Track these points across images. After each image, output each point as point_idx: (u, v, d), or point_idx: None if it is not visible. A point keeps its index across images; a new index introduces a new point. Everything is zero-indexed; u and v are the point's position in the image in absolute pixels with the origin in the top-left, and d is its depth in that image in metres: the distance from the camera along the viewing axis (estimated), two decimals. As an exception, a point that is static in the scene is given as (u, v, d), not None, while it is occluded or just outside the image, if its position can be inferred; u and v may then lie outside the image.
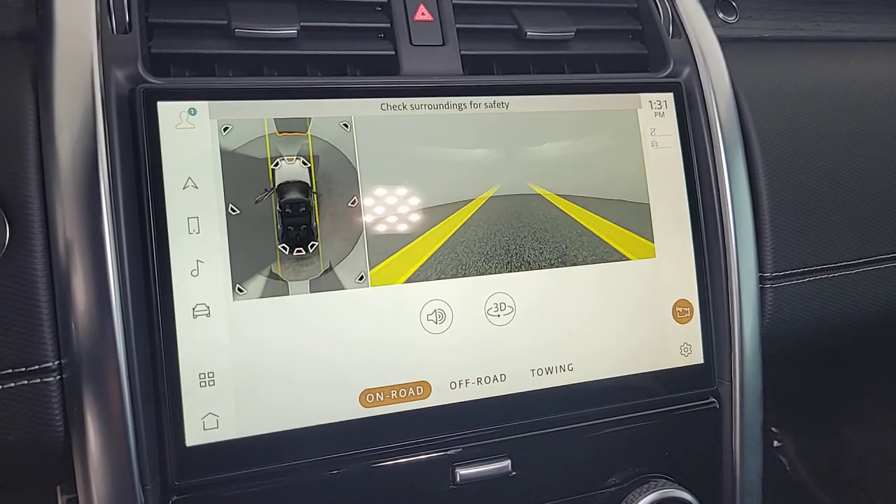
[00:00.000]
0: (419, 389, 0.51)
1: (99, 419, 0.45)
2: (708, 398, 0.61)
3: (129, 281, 0.46)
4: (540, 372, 0.54)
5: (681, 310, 0.59)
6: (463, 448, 0.52)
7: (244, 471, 0.47)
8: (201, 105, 0.47)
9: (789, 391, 1.24)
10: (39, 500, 0.55)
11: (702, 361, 0.60)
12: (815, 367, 1.29)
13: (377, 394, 0.50)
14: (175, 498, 0.46)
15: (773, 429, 1.42)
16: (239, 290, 0.47)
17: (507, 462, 0.53)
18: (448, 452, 0.52)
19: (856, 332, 0.70)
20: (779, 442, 1.47)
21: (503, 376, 0.53)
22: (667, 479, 0.58)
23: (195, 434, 0.46)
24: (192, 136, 0.46)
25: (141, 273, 0.46)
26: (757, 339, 0.62)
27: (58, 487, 0.52)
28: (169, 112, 0.46)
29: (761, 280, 0.63)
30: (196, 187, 0.47)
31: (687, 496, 0.57)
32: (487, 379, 0.53)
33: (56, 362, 0.44)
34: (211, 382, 0.46)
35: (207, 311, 0.46)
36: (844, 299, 0.66)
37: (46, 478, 0.53)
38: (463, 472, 0.52)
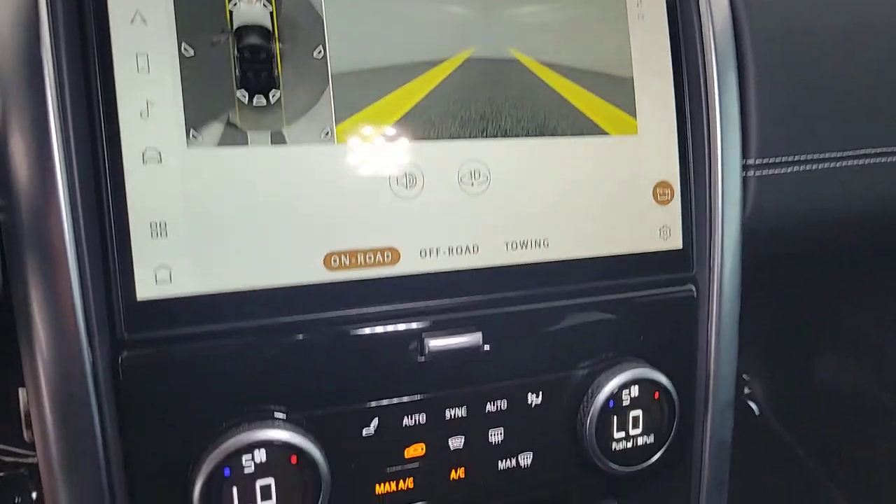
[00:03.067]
0: (387, 255, 0.49)
1: (40, 268, 0.42)
2: (686, 284, 0.59)
3: (72, 122, 0.42)
4: (514, 246, 0.52)
5: (661, 191, 0.57)
6: (433, 319, 0.50)
7: (199, 328, 0.44)
8: (150, -72, 0.43)
9: (759, 331, 1.24)
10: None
11: (680, 246, 0.58)
12: (788, 300, 1.30)
13: (342, 257, 0.47)
14: (126, 353, 0.43)
15: (743, 376, 1.44)
16: (193, 136, 0.44)
17: (479, 335, 0.51)
18: (417, 322, 0.50)
19: (838, 230, 0.69)
20: (748, 388, 1.49)
21: (476, 248, 0.51)
22: (640, 361, 0.56)
23: (146, 287, 0.43)
24: (140, -38, 0.42)
25: (84, 113, 0.42)
26: (738, 228, 0.60)
27: (20, 390, 0.49)
28: (114, -67, 0.42)
29: (745, 168, 0.61)
30: (145, 22, 0.43)
31: (661, 377, 0.56)
32: (459, 249, 0.50)
33: (-8, 206, 0.41)
34: (163, 233, 0.43)
35: (159, 157, 0.43)
36: (828, 192, 0.65)
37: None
38: (433, 343, 0.50)
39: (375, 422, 0.50)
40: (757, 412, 1.51)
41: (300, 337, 0.47)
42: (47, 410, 0.43)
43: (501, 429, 0.53)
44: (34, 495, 1.03)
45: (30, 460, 1.02)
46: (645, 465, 0.57)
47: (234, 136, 0.45)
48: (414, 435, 0.51)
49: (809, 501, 1.46)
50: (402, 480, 0.51)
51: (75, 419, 0.43)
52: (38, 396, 0.43)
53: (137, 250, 0.43)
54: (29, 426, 0.47)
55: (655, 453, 0.57)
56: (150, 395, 0.44)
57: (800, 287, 1.41)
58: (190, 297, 0.44)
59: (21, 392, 0.46)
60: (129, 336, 0.43)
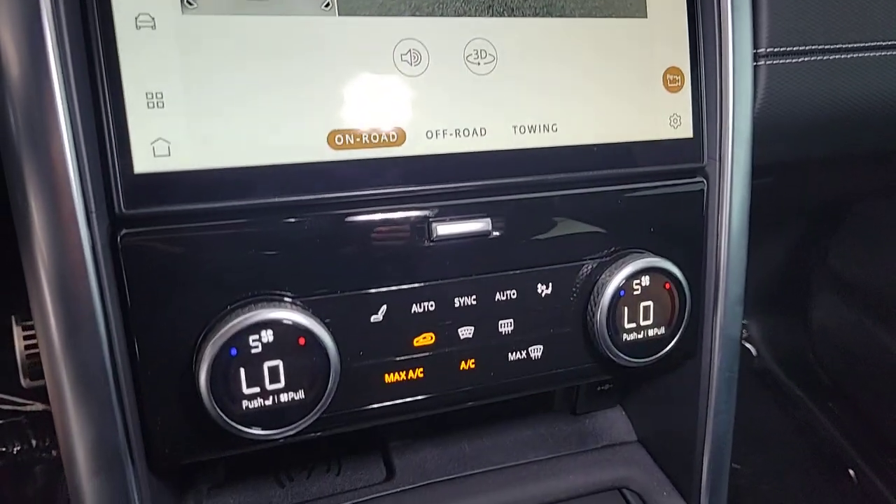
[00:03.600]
0: (392, 136, 0.47)
1: (33, 142, 0.40)
2: (696, 176, 0.58)
3: (61, -14, 0.40)
4: (522, 129, 0.50)
5: (671, 77, 0.55)
6: (440, 204, 0.49)
7: (200, 205, 0.43)
8: None
9: (756, 275, 1.24)
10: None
11: (691, 135, 0.56)
12: (783, 244, 1.29)
13: (347, 136, 0.46)
14: (125, 232, 0.42)
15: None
16: (188, 2, 0.42)
17: (487, 221, 0.50)
18: (424, 207, 0.49)
19: (846, 129, 0.68)
20: (746, 332, 1.49)
21: (483, 130, 0.49)
22: (650, 253, 0.55)
23: (144, 160, 0.41)
24: None
25: (73, -24, 0.40)
26: (749, 119, 0.58)
27: (13, 317, 0.47)
28: None
29: (756, 57, 0.59)
30: None
31: (672, 267, 0.55)
32: (466, 132, 0.49)
33: (-20, 70, 0.39)
34: (160, 104, 0.41)
35: (152, 23, 0.41)
36: (839, 85, 0.63)
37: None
38: (441, 228, 0.49)
39: (384, 308, 0.49)
40: (755, 354, 1.52)
41: (305, 218, 0.46)
42: (46, 294, 0.42)
43: (511, 320, 0.53)
44: (34, 443, 1.03)
45: (28, 408, 1.02)
46: (655, 357, 0.56)
47: (230, 5, 0.43)
48: (423, 323, 0.50)
49: (807, 439, 1.48)
50: (411, 370, 0.51)
51: (76, 302, 0.42)
52: (37, 280, 0.42)
53: (133, 121, 0.41)
54: (26, 374, 0.46)
55: (666, 346, 0.56)
56: (151, 275, 0.43)
57: (793, 230, 1.41)
58: (190, 171, 0.42)
59: (16, 334, 0.45)
60: (127, 212, 0.41)
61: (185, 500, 0.62)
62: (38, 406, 1.00)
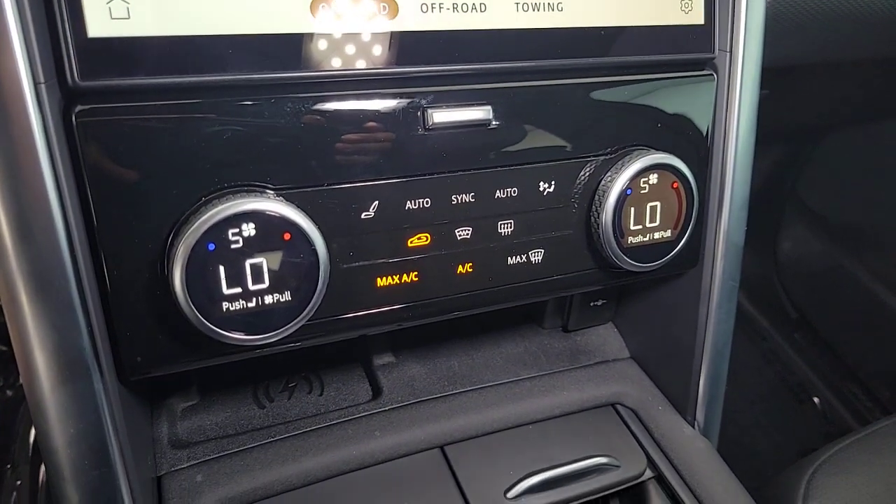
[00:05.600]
0: (383, 7, 0.42)
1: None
2: (705, 68, 0.54)
3: None
4: (525, 7, 0.46)
5: (684, -44, 0.50)
6: (437, 88, 0.44)
7: (166, 78, 0.37)
8: None
9: None
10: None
11: (702, 21, 0.52)
12: (758, 171, 1.27)
13: (332, 4, 0.40)
14: (80, 108, 0.36)
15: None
16: None
17: (488, 109, 0.45)
18: (419, 91, 0.44)
19: (858, 27, 0.64)
20: None
21: (483, 6, 0.44)
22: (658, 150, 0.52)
23: (100, 23, 0.36)
24: None
25: None
26: (762, 7, 0.54)
27: None
28: None
29: (770, -61, 0.55)
30: None
31: (680, 164, 0.51)
32: (465, 6, 0.44)
33: None
34: (115, -45, 0.35)
35: None
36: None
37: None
38: (437, 115, 0.44)
39: (375, 204, 0.44)
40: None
41: (286, 99, 0.40)
42: (-9, 182, 0.36)
43: (511, 220, 0.49)
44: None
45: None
46: (661, 262, 0.53)
47: None
48: (418, 221, 0.46)
49: (773, 369, 1.50)
50: (405, 274, 0.47)
51: (26, 190, 0.36)
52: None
53: (85, -24, 0.35)
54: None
55: (672, 250, 0.53)
56: (112, 159, 0.38)
57: (766, 158, 1.39)
58: (152, 38, 0.37)
59: None
60: (82, 83, 0.36)
61: (157, 421, 0.58)
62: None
